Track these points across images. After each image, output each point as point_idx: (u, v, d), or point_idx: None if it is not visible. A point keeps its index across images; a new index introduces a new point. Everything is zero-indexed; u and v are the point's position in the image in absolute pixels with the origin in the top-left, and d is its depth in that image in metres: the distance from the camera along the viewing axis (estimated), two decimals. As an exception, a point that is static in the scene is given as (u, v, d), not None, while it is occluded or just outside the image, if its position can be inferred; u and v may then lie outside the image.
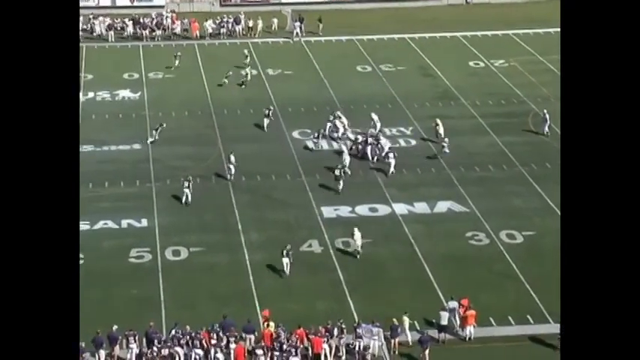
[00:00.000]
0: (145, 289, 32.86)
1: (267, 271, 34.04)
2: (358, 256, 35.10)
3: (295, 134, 46.40)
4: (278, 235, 36.40)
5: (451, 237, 36.56)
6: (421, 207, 38.95)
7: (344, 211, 38.54)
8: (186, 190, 38.75)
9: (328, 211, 38.43)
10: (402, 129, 47.24)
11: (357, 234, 35.23)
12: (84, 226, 36.78)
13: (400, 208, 38.75)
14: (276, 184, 41.08)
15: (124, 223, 37.32)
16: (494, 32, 63.70)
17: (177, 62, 55.59)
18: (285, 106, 49.86)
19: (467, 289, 32.16)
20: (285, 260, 33.80)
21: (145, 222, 37.39)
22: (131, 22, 62.61)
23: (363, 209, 38.69)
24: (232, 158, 41.37)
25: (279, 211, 38.56)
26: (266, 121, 46.80)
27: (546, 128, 45.59)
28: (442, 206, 39.02)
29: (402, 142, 45.77)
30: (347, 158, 42.24)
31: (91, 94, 51.84)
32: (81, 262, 34.13)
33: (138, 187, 40.63)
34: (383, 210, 38.70)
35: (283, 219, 37.94)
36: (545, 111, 46.34)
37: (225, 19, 63.20)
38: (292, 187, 40.87)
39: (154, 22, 62.65)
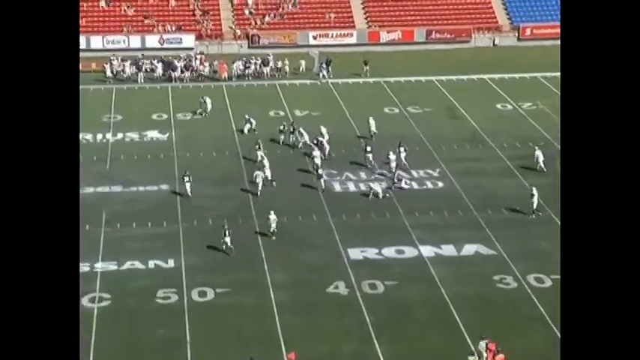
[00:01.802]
0: (171, 329, 32.81)
1: (293, 312, 33.92)
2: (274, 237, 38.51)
3: (322, 175, 46.39)
4: (304, 276, 36.33)
5: (478, 280, 36.28)
6: (448, 249, 38.75)
7: (371, 252, 38.43)
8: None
9: (355, 253, 38.33)
10: (429, 171, 47.17)
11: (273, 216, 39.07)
12: (111, 266, 36.95)
13: (427, 251, 38.58)
14: (303, 225, 41.08)
15: (151, 263, 37.42)
16: (521, 75, 63.75)
17: (203, 107, 55.64)
18: (312, 147, 49.80)
19: (494, 333, 31.78)
20: (227, 239, 37.09)
21: (171, 262, 37.47)
22: (160, 63, 63.31)
23: (389, 251, 38.55)
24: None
25: (306, 252, 38.52)
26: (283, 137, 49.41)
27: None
28: (469, 249, 38.82)
29: (429, 184, 45.69)
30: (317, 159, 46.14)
31: (120, 135, 52.32)
32: (108, 302, 34.27)
33: (165, 228, 40.75)
34: (410, 252, 38.54)
35: (309, 260, 37.87)
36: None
37: (252, 61, 63.81)
38: (319, 227, 40.85)
39: (183, 64, 63.33)
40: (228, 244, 37.93)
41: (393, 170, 45.77)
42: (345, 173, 46.64)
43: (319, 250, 38.67)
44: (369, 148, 47.71)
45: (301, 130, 50.51)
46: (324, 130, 50.13)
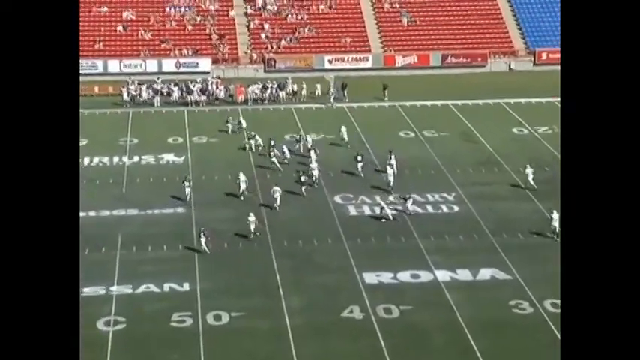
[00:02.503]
0: (185, 353, 32.74)
1: (307, 336, 33.81)
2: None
3: (337, 199, 46.48)
4: (319, 300, 36.25)
5: (494, 305, 36.06)
6: (464, 274, 38.58)
7: (386, 276, 38.31)
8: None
9: (370, 277, 38.23)
10: (444, 195, 47.09)
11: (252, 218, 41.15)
12: (127, 289, 37.00)
13: (442, 275, 38.41)
14: (318, 249, 41.05)
15: (167, 286, 37.42)
16: (537, 99, 63.71)
17: (233, 124, 56.16)
18: (327, 171, 50.05)
19: (510, 358, 31.59)
20: (203, 240, 38.88)
21: (187, 286, 37.47)
22: (176, 87, 63.65)
23: (404, 275, 38.41)
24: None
25: (321, 276, 38.45)
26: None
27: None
28: (485, 273, 38.63)
29: (445, 208, 45.61)
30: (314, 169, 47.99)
31: (136, 158, 52.55)
32: (122, 325, 34.27)
33: (180, 251, 40.80)
34: (425, 276, 38.39)
35: (324, 284, 37.78)
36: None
37: (269, 85, 64.07)
38: (334, 251, 40.80)
39: (200, 88, 63.63)
40: (203, 245, 39.60)
41: (391, 185, 46.59)
42: (361, 197, 46.62)
43: (334, 274, 38.59)
44: (359, 158, 49.22)
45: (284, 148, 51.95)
46: (309, 138, 52.90)
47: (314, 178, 48.31)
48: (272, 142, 51.57)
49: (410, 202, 44.91)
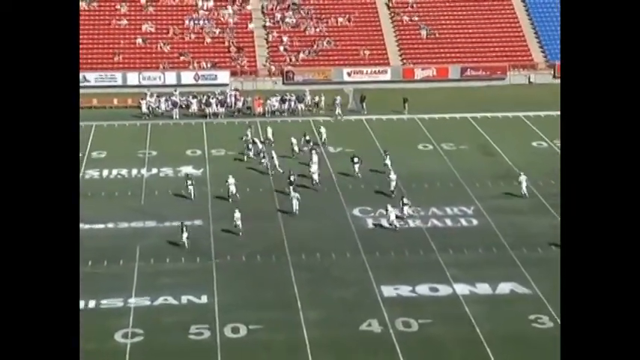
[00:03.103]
0: (203, 366, 32.77)
1: (325, 350, 33.69)
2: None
3: (355, 212, 46.42)
4: (337, 314, 36.13)
5: (513, 319, 35.86)
6: (483, 288, 38.37)
7: (404, 290, 38.16)
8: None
9: (388, 290, 38.09)
10: (463, 208, 46.95)
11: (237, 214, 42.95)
12: (145, 301, 37.01)
13: (461, 289, 38.24)
14: (336, 262, 40.96)
15: (184, 299, 37.41)
16: (557, 112, 63.42)
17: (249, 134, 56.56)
18: (346, 184, 50.00)
19: (530, 373, 31.45)
20: (185, 235, 41.10)
21: (204, 298, 37.45)
22: (195, 99, 63.84)
23: (423, 289, 38.26)
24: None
25: (339, 289, 38.34)
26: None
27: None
28: (504, 287, 38.41)
29: (464, 222, 45.45)
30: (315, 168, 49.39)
31: (154, 170, 52.67)
32: (140, 338, 34.26)
33: (198, 263, 40.81)
34: (444, 290, 38.24)
35: (342, 297, 37.67)
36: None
37: (288, 97, 64.15)
38: (352, 264, 40.70)
39: (218, 100, 63.77)
40: (184, 239, 41.53)
41: (393, 189, 47.52)
42: (379, 210, 46.52)
43: (352, 288, 38.49)
44: (355, 159, 50.71)
45: (256, 140, 54.28)
46: (294, 140, 54.67)
47: (314, 182, 49.04)
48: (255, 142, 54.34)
49: (407, 207, 45.19)
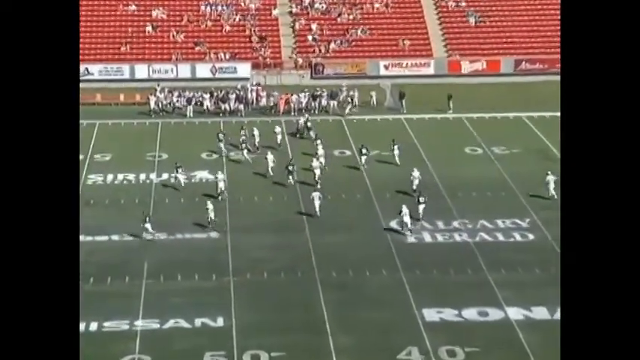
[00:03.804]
0: (218, 398, 32.78)
1: (358, 381, 33.69)
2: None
3: (393, 223, 46.29)
4: (371, 340, 35.98)
5: (575, 348, 35.65)
6: (539, 312, 38.10)
7: (449, 314, 37.98)
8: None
9: (430, 314, 37.92)
10: (517, 221, 46.66)
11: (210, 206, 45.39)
12: (153, 324, 37.06)
13: (515, 313, 38.00)
14: (370, 280, 40.86)
15: (198, 322, 37.41)
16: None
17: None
18: (382, 192, 49.90)
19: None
20: (149, 225, 43.56)
21: (221, 321, 37.44)
22: (208, 95, 63.95)
23: (471, 313, 38.07)
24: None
25: (374, 312, 38.20)
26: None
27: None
28: (564, 311, 38.20)
29: (518, 236, 45.18)
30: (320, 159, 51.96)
31: (164, 176, 52.82)
32: (148, 364, 34.37)
33: (214, 281, 40.86)
34: (494, 314, 38.02)
35: (378, 321, 37.53)
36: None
37: (318, 92, 64.08)
38: (389, 284, 40.57)
39: (237, 96, 63.87)
40: (149, 229, 43.62)
41: (415, 187, 48.76)
42: (420, 222, 46.38)
43: (389, 310, 38.37)
44: (364, 150, 53.55)
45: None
46: (278, 129, 57.46)
47: (316, 178, 50.40)
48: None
49: (422, 206, 46.09)
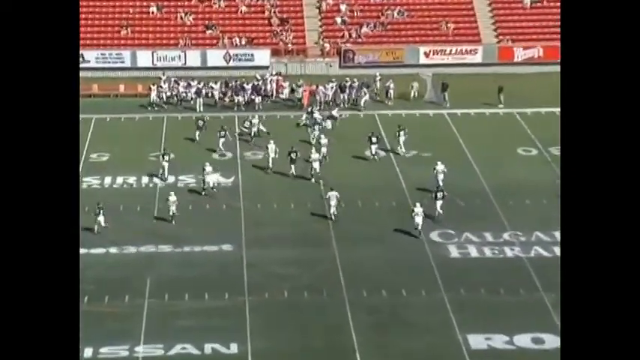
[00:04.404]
0: None
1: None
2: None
3: (434, 236, 46.22)
4: (409, 371, 36.17)
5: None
6: (603, 339, 38.08)
7: (498, 340, 37.99)
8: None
9: (477, 341, 37.90)
10: (577, 233, 46.52)
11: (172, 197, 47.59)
12: (157, 350, 37.21)
13: (574, 340, 37.97)
14: (408, 302, 40.91)
15: (208, 347, 37.51)
16: None
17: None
18: (421, 197, 49.80)
19: None
20: (101, 218, 46.24)
21: (234, 347, 37.53)
22: (218, 84, 64.09)
23: (524, 339, 38.03)
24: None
25: (411, 338, 38.25)
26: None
27: None
28: (632, 339, 38.13)
29: (578, 251, 45.05)
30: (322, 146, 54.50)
31: (171, 179, 52.91)
32: (151, 397, 34.54)
33: (227, 301, 40.98)
34: (551, 341, 37.94)
35: (416, 348, 37.59)
36: None
37: (348, 83, 64.10)
38: (428, 305, 40.65)
39: (254, 86, 63.95)
40: (102, 223, 45.95)
41: (441, 182, 50.01)
42: (465, 234, 46.32)
43: (429, 336, 38.41)
44: (374, 139, 55.42)
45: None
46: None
47: (312, 171, 52.61)
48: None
49: (440, 202, 47.31)
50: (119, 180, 53.20)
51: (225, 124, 58.09)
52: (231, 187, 52.01)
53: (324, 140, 55.03)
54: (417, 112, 63.19)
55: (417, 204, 46.29)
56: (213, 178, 51.26)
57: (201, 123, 58.35)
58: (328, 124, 58.98)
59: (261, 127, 58.51)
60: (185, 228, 47.31)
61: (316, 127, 57.88)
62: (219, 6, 74.23)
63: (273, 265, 43.69)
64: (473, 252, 45.01)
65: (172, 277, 42.66)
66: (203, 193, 50.72)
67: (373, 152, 55.12)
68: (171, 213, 47.46)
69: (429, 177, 51.32)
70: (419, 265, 43.88)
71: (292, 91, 64.77)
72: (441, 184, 49.76)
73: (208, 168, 51.18)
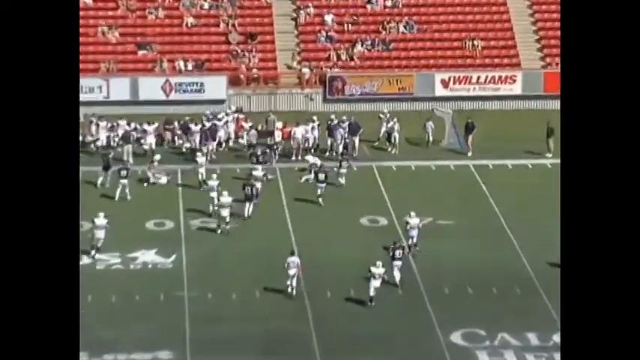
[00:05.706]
0: None
1: None
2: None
3: (455, 337, 45.94)
4: None
5: None
6: None
7: None
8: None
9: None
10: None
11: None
12: None
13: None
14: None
15: None
16: None
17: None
18: (437, 282, 50.03)
19: None
20: None
21: None
22: (152, 127, 64.16)
23: None
24: None
25: None
26: None
27: None
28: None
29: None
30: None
31: (86, 260, 52.22)
32: None
33: None
34: None
35: None
36: None
37: (335, 122, 63.74)
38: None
39: (206, 128, 63.79)
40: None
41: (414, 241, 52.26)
42: (500, 334, 46.22)
43: None
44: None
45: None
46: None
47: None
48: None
49: (399, 263, 49.46)
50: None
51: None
52: (170, 270, 51.87)
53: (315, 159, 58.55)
54: (431, 163, 63.49)
55: (379, 263, 47.71)
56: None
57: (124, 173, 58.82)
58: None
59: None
60: (107, 327, 46.72)
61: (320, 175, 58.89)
62: (156, 16, 74.12)
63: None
64: (510, 358, 44.83)
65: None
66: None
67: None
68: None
69: (449, 253, 51.12)
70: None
71: (259, 133, 64.29)
72: (416, 242, 51.57)
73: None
